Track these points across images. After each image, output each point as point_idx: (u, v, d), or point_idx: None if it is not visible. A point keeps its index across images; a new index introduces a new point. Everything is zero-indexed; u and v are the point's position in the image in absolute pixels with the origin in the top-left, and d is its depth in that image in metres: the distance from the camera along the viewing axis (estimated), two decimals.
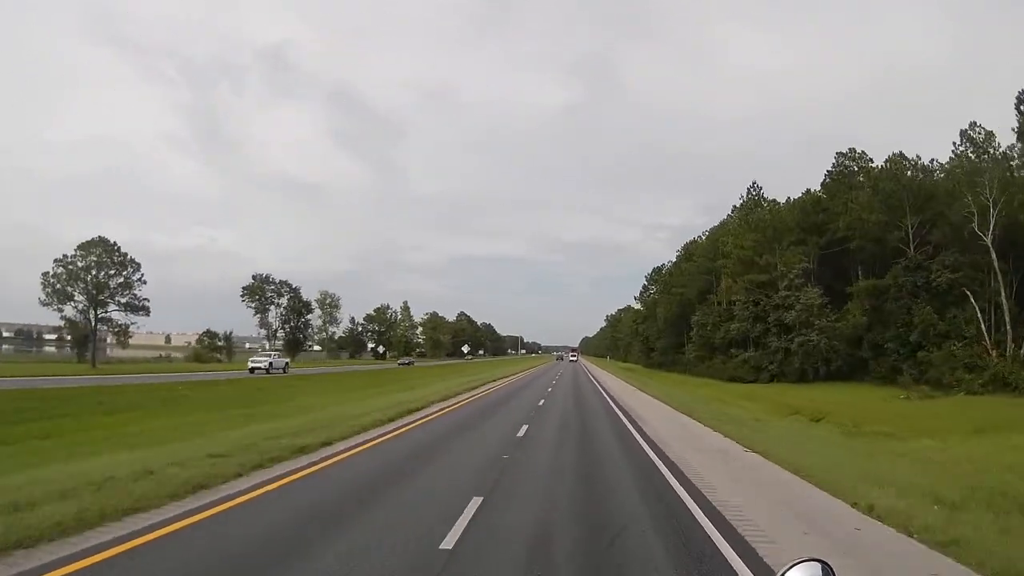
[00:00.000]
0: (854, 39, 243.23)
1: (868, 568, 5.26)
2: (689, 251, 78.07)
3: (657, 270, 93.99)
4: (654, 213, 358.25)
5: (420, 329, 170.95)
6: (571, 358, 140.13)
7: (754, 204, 65.29)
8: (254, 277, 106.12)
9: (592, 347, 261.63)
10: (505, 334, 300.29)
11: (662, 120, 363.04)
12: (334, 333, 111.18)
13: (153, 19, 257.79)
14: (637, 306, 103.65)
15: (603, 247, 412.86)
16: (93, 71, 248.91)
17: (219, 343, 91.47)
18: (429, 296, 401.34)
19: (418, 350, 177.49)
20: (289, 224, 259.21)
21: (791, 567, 1.85)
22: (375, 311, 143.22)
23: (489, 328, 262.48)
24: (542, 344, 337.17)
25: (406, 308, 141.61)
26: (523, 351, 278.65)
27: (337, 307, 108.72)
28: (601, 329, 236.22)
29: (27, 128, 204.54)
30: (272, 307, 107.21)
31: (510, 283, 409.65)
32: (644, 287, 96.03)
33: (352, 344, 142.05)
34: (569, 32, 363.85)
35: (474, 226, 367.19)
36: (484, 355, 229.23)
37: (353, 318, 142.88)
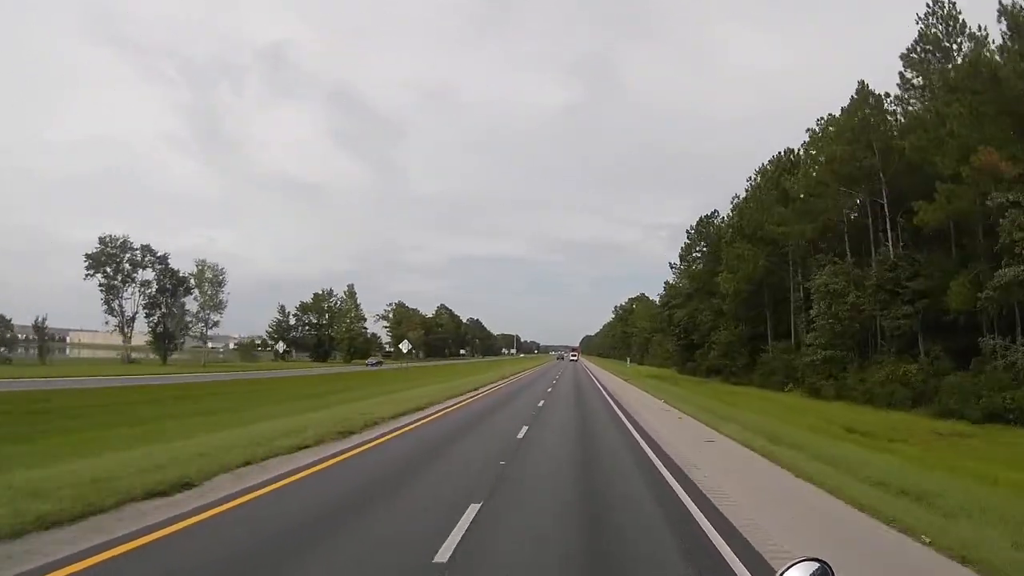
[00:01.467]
0: (854, 39, 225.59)
1: None
2: (790, 159, 43.20)
3: (705, 220, 59.14)
4: (654, 213, 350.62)
5: (384, 324, 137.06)
6: (571, 358, 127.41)
7: (938, 40, 30.80)
8: (102, 240, 71.77)
9: (594, 347, 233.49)
10: (499, 332, 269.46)
11: (662, 120, 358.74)
12: (217, 322, 76.07)
13: (153, 19, 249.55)
14: (671, 280, 68.69)
15: (603, 247, 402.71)
16: (93, 71, 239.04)
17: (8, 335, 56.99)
18: (429, 296, 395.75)
19: (384, 349, 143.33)
20: (289, 224, 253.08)
21: (790, 566, 1.79)
22: (313, 297, 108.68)
23: (477, 324, 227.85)
24: (541, 343, 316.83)
25: (351, 294, 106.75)
26: (512, 351, 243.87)
27: (221, 285, 73.99)
28: (606, 325, 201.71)
29: (27, 128, 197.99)
30: (131, 285, 72.98)
31: (510, 283, 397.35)
32: (686, 246, 61.02)
33: (280, 340, 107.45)
34: (569, 32, 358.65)
35: (474, 226, 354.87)
36: (468, 355, 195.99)
37: (283, 307, 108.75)
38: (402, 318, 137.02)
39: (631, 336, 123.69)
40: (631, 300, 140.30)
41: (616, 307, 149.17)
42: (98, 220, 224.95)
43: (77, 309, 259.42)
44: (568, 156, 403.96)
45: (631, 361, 63.32)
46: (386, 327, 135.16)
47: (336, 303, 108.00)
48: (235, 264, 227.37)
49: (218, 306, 74.61)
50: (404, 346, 59.60)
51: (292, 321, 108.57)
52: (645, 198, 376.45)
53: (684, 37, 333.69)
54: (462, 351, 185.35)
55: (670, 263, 64.78)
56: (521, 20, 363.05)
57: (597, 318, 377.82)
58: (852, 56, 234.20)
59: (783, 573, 1.80)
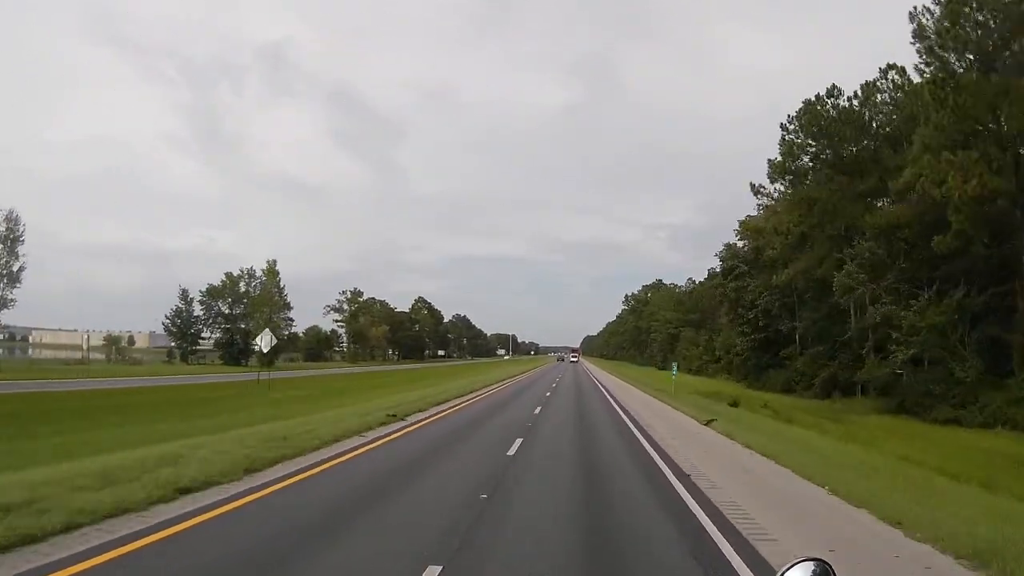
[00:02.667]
0: (854, 39, 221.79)
1: None
2: None
3: (814, 105, 31.43)
4: (654, 213, 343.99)
5: (336, 318, 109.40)
6: (572, 359, 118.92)
7: None
8: None
9: (596, 347, 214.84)
10: (495, 332, 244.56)
11: (662, 120, 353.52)
12: (10, 301, 48.17)
13: (153, 19, 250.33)
14: (752, 214, 40.91)
15: (603, 247, 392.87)
16: (93, 71, 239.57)
17: None
18: (429, 296, 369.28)
19: (340, 347, 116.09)
20: (289, 224, 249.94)
21: (791, 566, 1.76)
22: (225, 278, 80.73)
23: (464, 322, 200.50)
24: (540, 344, 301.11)
25: (271, 272, 79.02)
26: (504, 351, 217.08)
27: (15, 243, 46.40)
28: (612, 322, 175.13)
29: (27, 128, 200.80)
30: None
31: (510, 283, 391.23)
32: (784, 152, 32.63)
33: (179, 336, 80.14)
34: (569, 32, 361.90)
35: (474, 226, 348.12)
36: (455, 356, 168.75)
37: (185, 292, 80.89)
38: (360, 310, 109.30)
39: (649, 333, 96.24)
40: (646, 288, 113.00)
41: (627, 296, 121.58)
42: (99, 220, 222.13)
43: (81, 309, 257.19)
44: (568, 156, 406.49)
45: (678, 370, 35.31)
46: (338, 321, 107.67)
47: (256, 287, 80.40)
48: (235, 264, 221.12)
49: (12, 278, 46.99)
50: (264, 341, 32.19)
51: (199, 311, 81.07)
52: (645, 198, 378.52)
53: (684, 37, 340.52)
54: (440, 352, 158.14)
55: (752, 185, 36.75)
56: (521, 20, 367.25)
57: (598, 319, 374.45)
58: (852, 56, 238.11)
59: (784, 573, 1.75)
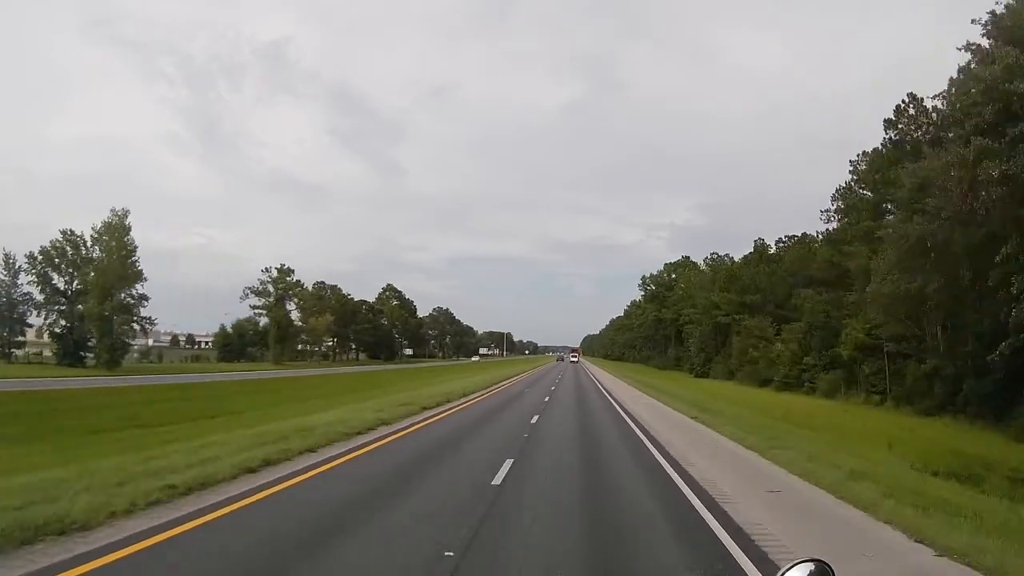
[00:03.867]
0: (854, 40, 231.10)
1: None
2: None
3: None
4: (654, 213, 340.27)
5: (255, 304, 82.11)
6: (572, 359, 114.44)
7: None
8: None
9: (598, 347, 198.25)
10: (488, 330, 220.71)
11: (663, 120, 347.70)
12: None
13: (153, 18, 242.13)
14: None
15: (603, 247, 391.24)
16: (93, 71, 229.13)
17: None
18: (430, 296, 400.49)
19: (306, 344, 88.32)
20: (289, 224, 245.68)
21: (791, 567, 1.79)
22: (62, 237, 54.33)
23: (446, 315, 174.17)
24: (539, 343, 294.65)
25: (118, 226, 52.17)
26: (483, 351, 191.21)
27: None
28: (619, 316, 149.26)
29: (27, 128, 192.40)
30: None
31: (510, 283, 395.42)
32: None
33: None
34: (571, 32, 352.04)
35: (474, 226, 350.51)
36: (430, 356, 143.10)
37: (9, 258, 54.40)
38: (285, 293, 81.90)
39: (679, 324, 69.72)
40: (669, 266, 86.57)
41: (644, 279, 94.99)
42: (99, 220, 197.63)
43: None
44: (569, 156, 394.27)
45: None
46: (257, 308, 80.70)
47: (101, 253, 53.83)
48: (235, 264, 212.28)
49: None
50: None
51: (29, 285, 54.55)
52: (645, 198, 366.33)
53: (685, 37, 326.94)
54: (408, 351, 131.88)
55: None
56: (522, 20, 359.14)
57: (598, 319, 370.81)
58: (852, 57, 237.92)
59: (784, 573, 1.77)
